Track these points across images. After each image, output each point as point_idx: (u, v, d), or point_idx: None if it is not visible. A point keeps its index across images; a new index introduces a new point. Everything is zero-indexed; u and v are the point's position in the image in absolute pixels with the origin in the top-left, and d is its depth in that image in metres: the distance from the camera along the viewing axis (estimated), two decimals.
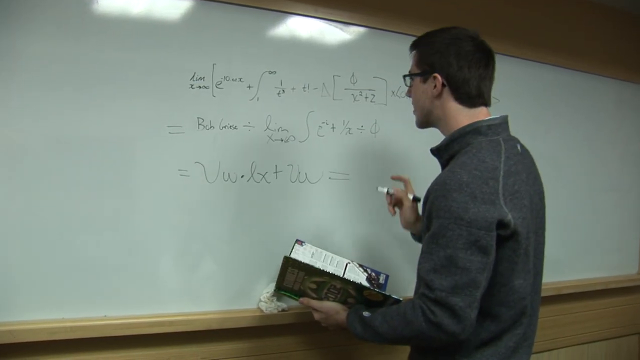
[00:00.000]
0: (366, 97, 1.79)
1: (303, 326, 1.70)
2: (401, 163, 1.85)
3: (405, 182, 1.53)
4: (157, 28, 1.49)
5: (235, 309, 1.61)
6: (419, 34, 1.84)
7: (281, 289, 1.45)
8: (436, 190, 1.10)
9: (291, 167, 1.67)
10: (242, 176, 1.60)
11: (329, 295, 1.38)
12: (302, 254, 1.48)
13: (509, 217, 1.06)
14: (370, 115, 1.80)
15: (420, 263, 1.11)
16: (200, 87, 1.54)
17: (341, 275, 1.42)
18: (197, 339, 1.58)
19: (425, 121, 1.27)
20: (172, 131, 1.51)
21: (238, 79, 1.59)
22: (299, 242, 1.53)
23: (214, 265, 1.58)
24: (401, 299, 1.18)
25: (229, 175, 1.58)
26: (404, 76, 1.29)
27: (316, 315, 1.39)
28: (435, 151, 1.26)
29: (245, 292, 1.63)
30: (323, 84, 1.72)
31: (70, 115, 1.39)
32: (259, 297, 1.64)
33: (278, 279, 1.41)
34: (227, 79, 1.57)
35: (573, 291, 2.27)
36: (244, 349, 1.65)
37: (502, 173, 1.10)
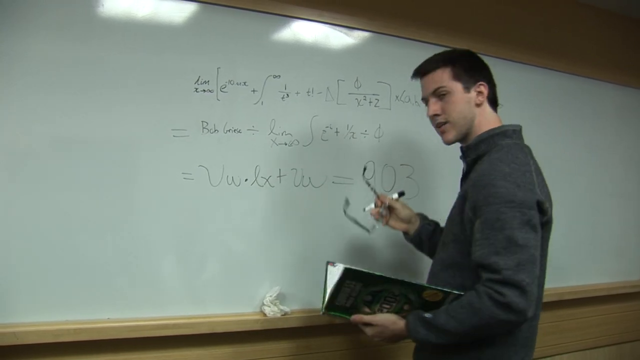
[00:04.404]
0: (370, 102, 1.80)
1: (306, 330, 1.70)
2: (405, 167, 1.86)
3: (379, 199, 1.52)
4: (162, 31, 1.49)
5: (238, 313, 1.61)
6: (424, 38, 1.87)
7: (332, 309, 1.28)
8: (480, 181, 1.18)
9: (295, 171, 1.68)
10: (246, 180, 1.61)
11: (384, 306, 1.26)
12: (336, 274, 1.36)
13: (547, 204, 1.18)
14: (374, 120, 1.81)
15: (476, 252, 1.15)
16: (204, 90, 1.54)
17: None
18: (200, 342, 1.57)
19: (465, 131, 1.31)
20: (177, 134, 1.51)
21: (242, 83, 1.59)
22: (331, 263, 1.41)
23: (217, 269, 1.59)
24: (462, 293, 1.15)
25: (232, 179, 1.59)
26: (437, 90, 1.30)
27: (369, 331, 1.27)
28: (465, 149, 1.33)
29: (248, 295, 1.63)
30: (327, 88, 1.72)
31: (75, 118, 1.40)
32: (262, 301, 1.64)
33: (329, 298, 1.26)
34: (232, 82, 1.58)
35: (575, 297, 2.26)
36: (247, 353, 1.65)
37: (532, 169, 1.21)
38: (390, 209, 1.53)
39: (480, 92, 1.30)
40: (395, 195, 1.53)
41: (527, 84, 2.15)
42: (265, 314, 1.61)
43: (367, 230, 1.53)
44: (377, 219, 1.51)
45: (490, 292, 1.09)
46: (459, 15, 2.02)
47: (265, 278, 1.65)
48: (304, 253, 1.70)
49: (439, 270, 1.33)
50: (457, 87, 1.29)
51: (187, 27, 1.53)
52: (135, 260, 1.47)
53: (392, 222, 1.54)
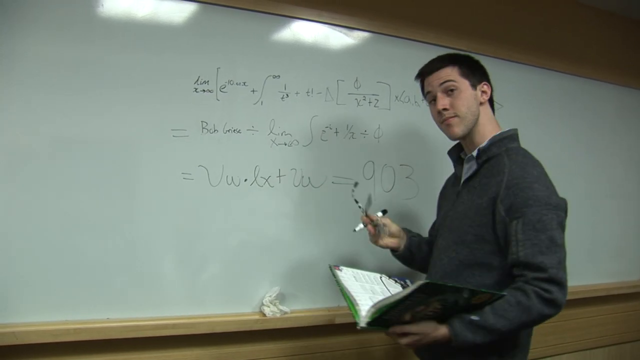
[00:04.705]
0: (370, 102, 1.80)
1: (306, 330, 1.70)
2: (404, 168, 1.86)
3: (367, 217, 1.50)
4: (162, 32, 1.50)
5: (238, 312, 1.61)
6: (424, 39, 1.87)
7: (375, 323, 1.16)
8: (516, 184, 1.22)
9: (294, 171, 1.68)
10: (246, 180, 1.61)
11: (427, 313, 1.17)
12: (348, 279, 1.35)
13: (567, 207, 1.26)
14: (374, 120, 1.81)
15: (519, 252, 1.18)
16: (204, 90, 1.55)
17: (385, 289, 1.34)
18: (200, 342, 1.58)
19: (470, 127, 1.35)
20: (176, 134, 1.51)
21: (242, 83, 1.59)
22: (337, 267, 1.38)
23: (217, 269, 1.59)
24: (505, 293, 1.14)
25: (232, 179, 1.59)
26: (446, 81, 1.33)
27: (406, 340, 1.20)
28: (480, 152, 1.35)
29: (248, 295, 1.63)
30: (327, 88, 1.72)
31: (75, 118, 1.40)
32: (261, 301, 1.64)
33: (379, 312, 1.13)
34: (231, 83, 1.58)
35: (575, 297, 2.25)
36: (247, 353, 1.65)
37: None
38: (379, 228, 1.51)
39: (484, 92, 1.36)
40: (380, 214, 1.51)
41: (526, 84, 2.15)
42: (264, 314, 1.62)
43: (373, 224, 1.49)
44: (374, 235, 1.49)
45: (538, 290, 1.14)
46: (458, 15, 2.02)
47: (265, 278, 1.65)
48: (304, 253, 1.70)
49: (455, 270, 1.33)
50: (465, 83, 1.34)
51: (187, 27, 1.53)
52: (135, 260, 1.48)
53: (383, 240, 1.51)
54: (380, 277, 1.44)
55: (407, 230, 1.57)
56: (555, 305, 1.16)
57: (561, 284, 1.16)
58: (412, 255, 1.53)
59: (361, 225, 1.49)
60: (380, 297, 1.20)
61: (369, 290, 1.31)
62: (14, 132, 1.35)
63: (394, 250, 1.55)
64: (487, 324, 1.15)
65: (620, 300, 2.48)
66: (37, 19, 1.37)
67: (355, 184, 1.58)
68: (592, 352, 2.47)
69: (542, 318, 1.17)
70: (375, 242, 1.51)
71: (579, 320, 2.36)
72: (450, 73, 1.34)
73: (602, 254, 2.41)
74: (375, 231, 1.49)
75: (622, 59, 2.49)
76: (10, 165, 1.35)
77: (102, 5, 1.43)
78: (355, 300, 1.22)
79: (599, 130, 2.40)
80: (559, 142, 2.24)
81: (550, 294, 1.14)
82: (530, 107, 2.15)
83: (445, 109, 1.33)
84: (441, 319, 1.19)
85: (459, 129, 1.34)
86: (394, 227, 1.52)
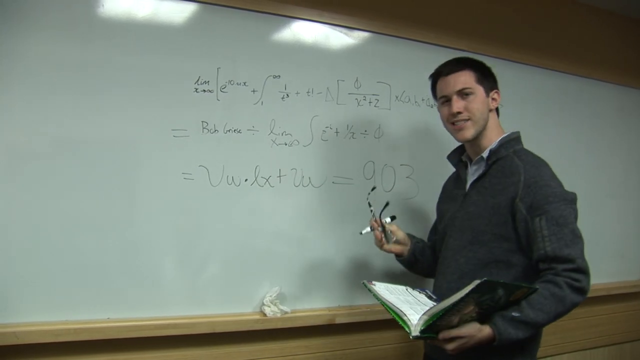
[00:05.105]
0: (370, 102, 1.80)
1: (306, 330, 1.70)
2: (404, 168, 1.86)
3: (375, 221, 1.52)
4: (162, 32, 1.50)
5: (238, 312, 1.61)
6: (424, 39, 1.88)
7: (427, 330, 1.16)
8: (534, 183, 1.28)
9: (295, 171, 1.68)
10: (246, 180, 1.61)
11: (472, 315, 1.17)
12: (384, 293, 1.32)
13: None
14: (374, 120, 1.81)
15: (546, 247, 1.24)
16: (204, 91, 1.55)
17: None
18: (200, 342, 1.58)
19: (480, 130, 1.39)
20: (177, 135, 1.51)
21: (242, 83, 1.59)
22: (371, 282, 1.36)
23: (217, 268, 1.59)
24: (538, 287, 1.17)
25: (232, 179, 1.59)
26: (463, 90, 1.36)
27: (452, 345, 1.17)
28: (490, 153, 1.38)
29: (248, 295, 1.63)
30: (327, 88, 1.72)
31: (76, 118, 1.40)
32: (262, 301, 1.64)
33: (433, 318, 1.13)
34: (232, 83, 1.58)
35: None
36: (247, 353, 1.65)
37: None
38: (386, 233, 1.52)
39: (494, 99, 1.42)
40: (388, 220, 1.53)
41: (526, 84, 2.15)
42: (265, 314, 1.62)
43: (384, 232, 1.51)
44: (380, 240, 1.51)
45: (569, 280, 1.21)
46: (458, 15, 2.02)
47: (265, 278, 1.65)
48: (304, 253, 1.70)
49: (472, 269, 1.35)
50: (480, 89, 1.38)
51: (187, 27, 1.53)
52: (135, 260, 1.48)
53: (389, 245, 1.52)
54: (406, 289, 1.44)
55: (411, 236, 1.59)
56: (584, 292, 1.23)
57: (587, 272, 1.24)
58: (417, 260, 1.56)
59: (368, 229, 1.51)
60: (421, 307, 1.25)
61: (404, 301, 1.31)
62: (14, 132, 1.35)
63: (398, 255, 1.56)
64: (528, 318, 1.18)
65: (620, 300, 2.48)
66: (37, 19, 1.37)
67: (373, 188, 1.59)
68: (592, 352, 2.47)
69: (573, 306, 1.23)
70: (380, 247, 1.52)
71: (579, 320, 2.36)
72: (468, 78, 1.37)
73: (602, 254, 2.40)
74: (381, 237, 1.50)
75: (622, 59, 2.49)
76: (11, 166, 1.35)
77: (103, 5, 1.43)
78: (400, 311, 1.22)
79: (599, 130, 2.40)
80: (559, 142, 2.24)
81: (580, 282, 1.22)
82: (530, 107, 2.15)
83: (459, 112, 1.36)
84: (480, 320, 1.19)
85: (470, 133, 1.37)
86: (401, 234, 1.54)
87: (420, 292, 1.42)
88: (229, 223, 1.59)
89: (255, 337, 1.65)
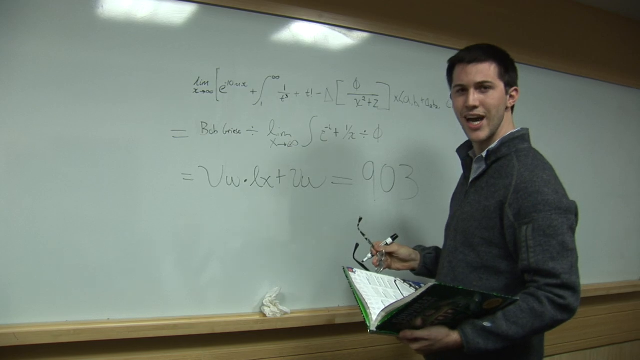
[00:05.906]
0: (369, 102, 1.80)
1: (306, 330, 1.70)
2: (404, 168, 1.86)
3: (374, 248, 1.52)
4: (162, 33, 1.50)
5: (238, 313, 1.61)
6: (423, 39, 1.87)
7: (384, 327, 1.15)
8: (524, 188, 1.20)
9: (294, 171, 1.68)
10: (246, 180, 1.61)
11: (439, 318, 1.15)
12: (362, 281, 1.32)
13: (578, 210, 1.23)
14: (373, 120, 1.81)
15: (530, 258, 1.16)
16: (204, 91, 1.55)
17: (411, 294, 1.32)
18: (200, 343, 1.58)
19: (494, 129, 1.31)
20: (176, 135, 1.52)
21: (242, 84, 1.59)
22: (350, 269, 1.36)
23: (217, 269, 1.59)
24: (517, 298, 1.12)
25: (232, 180, 1.59)
26: (483, 83, 1.28)
27: (417, 346, 1.17)
28: (489, 152, 1.31)
29: (248, 295, 1.63)
30: (326, 88, 1.72)
31: (75, 119, 1.41)
32: (261, 301, 1.64)
33: (389, 316, 1.11)
34: (231, 83, 1.58)
35: None
36: (247, 353, 1.65)
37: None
38: (389, 252, 1.51)
39: (512, 97, 1.33)
40: (390, 240, 1.52)
41: (527, 84, 2.12)
42: (265, 315, 1.62)
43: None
44: (377, 266, 1.50)
45: (550, 296, 1.13)
46: (458, 16, 2.02)
47: (265, 278, 1.65)
48: (304, 253, 1.71)
49: (462, 272, 1.31)
50: (500, 85, 1.29)
51: (187, 28, 1.53)
52: (135, 261, 1.48)
53: (394, 264, 1.52)
54: (395, 281, 1.41)
55: (422, 249, 1.55)
56: (569, 311, 1.14)
57: (574, 288, 1.14)
58: (429, 271, 1.52)
59: (369, 255, 1.52)
60: (392, 301, 1.16)
61: (381, 293, 1.28)
62: (14, 132, 1.35)
63: (412, 270, 1.54)
64: (500, 330, 1.13)
65: (620, 300, 2.49)
66: (37, 20, 1.37)
67: (360, 219, 1.58)
68: (592, 351, 2.48)
69: (556, 324, 1.15)
70: (388, 267, 1.51)
71: (579, 320, 2.35)
72: (490, 71, 1.28)
73: (602, 254, 2.41)
74: (378, 262, 1.49)
75: (623, 59, 2.49)
76: (11, 166, 1.36)
77: (102, 6, 1.43)
78: (367, 303, 1.20)
79: (600, 130, 2.40)
80: (560, 142, 2.24)
81: (564, 299, 1.13)
82: (531, 108, 2.15)
83: (475, 107, 1.28)
84: (453, 324, 1.16)
85: (484, 133, 1.30)
86: (403, 253, 1.51)
87: (411, 286, 1.39)
88: (229, 223, 1.59)
89: (255, 338, 1.65)
